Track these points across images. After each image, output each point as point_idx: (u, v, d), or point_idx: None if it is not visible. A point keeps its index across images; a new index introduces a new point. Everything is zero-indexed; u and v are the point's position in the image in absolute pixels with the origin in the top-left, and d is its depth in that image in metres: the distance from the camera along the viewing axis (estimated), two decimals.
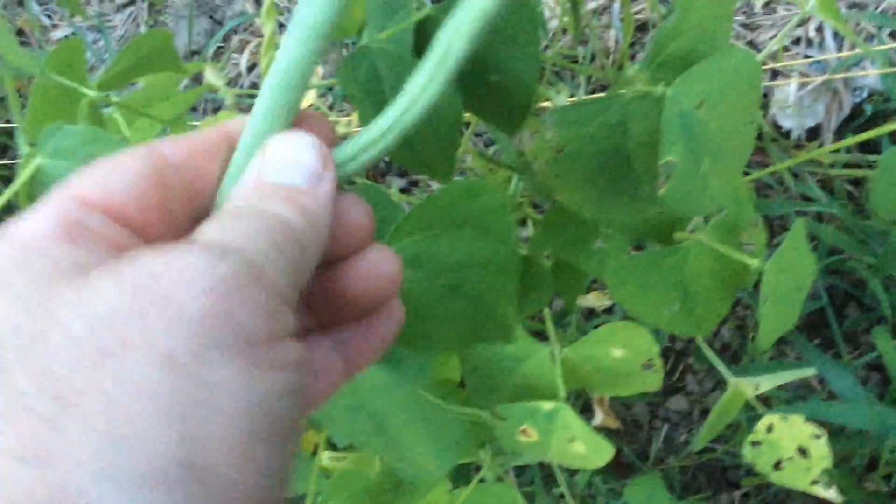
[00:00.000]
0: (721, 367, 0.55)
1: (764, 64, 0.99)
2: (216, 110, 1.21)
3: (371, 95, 0.42)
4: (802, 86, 1.01)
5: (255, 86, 1.20)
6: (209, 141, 0.23)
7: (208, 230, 0.20)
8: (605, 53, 1.05)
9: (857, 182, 0.98)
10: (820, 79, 1.00)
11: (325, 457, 0.56)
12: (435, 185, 1.07)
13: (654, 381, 0.54)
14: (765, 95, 1.01)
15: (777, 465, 0.49)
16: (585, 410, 0.86)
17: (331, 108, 1.13)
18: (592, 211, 0.43)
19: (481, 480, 0.60)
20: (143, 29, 1.28)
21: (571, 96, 0.96)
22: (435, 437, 0.50)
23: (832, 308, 0.95)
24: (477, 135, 1.05)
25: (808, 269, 0.45)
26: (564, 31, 1.05)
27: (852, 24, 1.00)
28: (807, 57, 1.01)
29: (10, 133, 1.20)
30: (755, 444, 0.50)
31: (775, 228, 0.98)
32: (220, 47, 1.25)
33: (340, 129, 0.99)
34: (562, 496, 0.91)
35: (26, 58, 0.41)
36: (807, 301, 0.48)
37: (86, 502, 0.15)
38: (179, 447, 0.16)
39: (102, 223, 0.20)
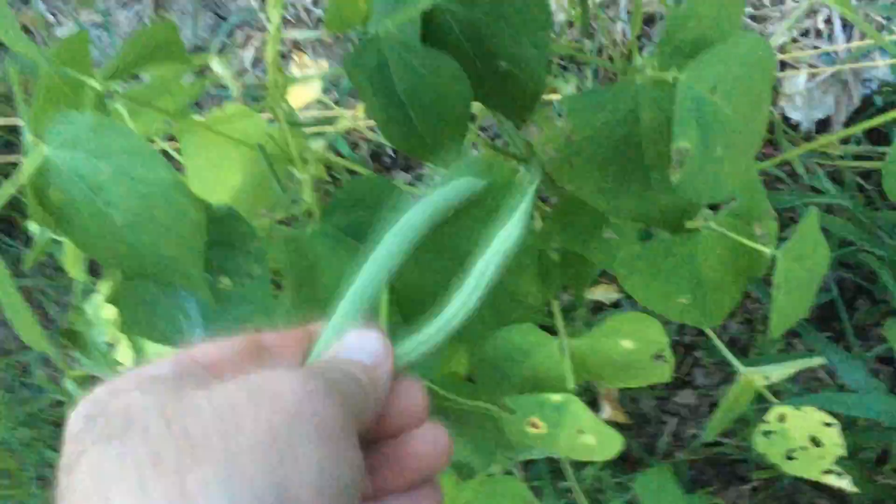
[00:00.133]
0: (731, 358, 0.55)
1: None
2: (218, 106, 1.21)
3: (378, 84, 0.42)
4: (812, 77, 1.00)
5: (259, 80, 1.19)
6: (296, 334, 0.31)
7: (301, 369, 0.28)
8: (612, 46, 1.05)
9: (867, 174, 0.97)
10: (829, 70, 0.99)
11: None
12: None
13: (663, 373, 0.54)
14: (773, 87, 1.00)
15: (789, 456, 0.49)
16: (592, 405, 0.86)
17: (336, 103, 1.12)
18: (603, 199, 0.42)
19: (489, 474, 0.60)
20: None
21: (578, 89, 0.95)
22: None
23: (842, 301, 0.95)
24: (482, 129, 1.05)
25: (822, 257, 0.44)
26: (571, 23, 1.04)
27: (862, 15, 0.99)
28: (816, 48, 1.00)
29: (14, 129, 1.20)
30: (767, 434, 0.50)
31: (784, 221, 0.98)
32: (224, 43, 1.25)
33: (345, 123, 0.99)
34: (569, 490, 0.90)
35: (33, 48, 0.41)
36: (816, 293, 0.48)
37: None
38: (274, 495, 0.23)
39: (204, 373, 0.27)
